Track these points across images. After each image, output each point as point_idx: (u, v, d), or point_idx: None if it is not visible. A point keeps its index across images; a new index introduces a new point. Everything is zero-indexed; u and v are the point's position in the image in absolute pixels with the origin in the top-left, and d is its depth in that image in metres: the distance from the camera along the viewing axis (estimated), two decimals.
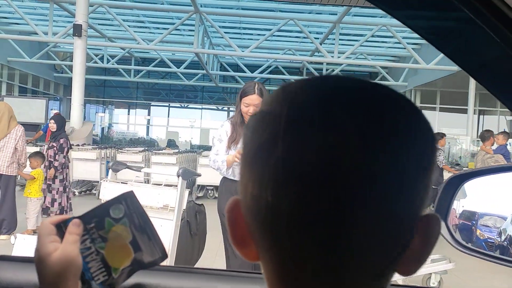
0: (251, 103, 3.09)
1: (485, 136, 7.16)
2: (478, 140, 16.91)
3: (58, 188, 6.69)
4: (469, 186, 0.98)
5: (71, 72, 12.36)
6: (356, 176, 0.36)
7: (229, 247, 3.10)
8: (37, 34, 14.22)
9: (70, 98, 11.52)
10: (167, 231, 2.95)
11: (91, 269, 0.60)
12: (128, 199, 0.62)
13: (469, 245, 0.94)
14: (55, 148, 6.54)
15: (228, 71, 20.83)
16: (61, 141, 6.67)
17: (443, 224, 0.87)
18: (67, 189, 6.82)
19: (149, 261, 0.63)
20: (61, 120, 6.96)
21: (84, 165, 9.58)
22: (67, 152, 6.60)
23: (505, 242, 0.94)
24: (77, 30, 10.72)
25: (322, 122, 0.37)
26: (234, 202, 0.43)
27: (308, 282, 0.38)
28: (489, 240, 0.99)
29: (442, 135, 8.13)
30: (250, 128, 0.41)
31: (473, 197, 0.98)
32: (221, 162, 3.09)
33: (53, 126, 6.84)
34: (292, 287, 0.39)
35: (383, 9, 0.66)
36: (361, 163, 0.36)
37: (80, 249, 0.59)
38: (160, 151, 10.44)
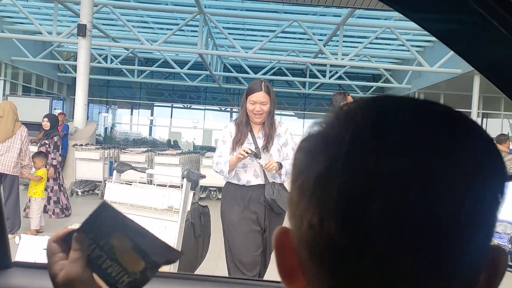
0: (258, 101, 3.05)
1: (502, 139, 7.19)
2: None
3: (53, 187, 6.72)
4: None
5: (75, 72, 12.37)
6: (438, 203, 0.33)
7: (230, 254, 3.08)
8: (42, 33, 14.25)
9: (74, 98, 11.55)
10: (171, 232, 2.95)
11: (112, 274, 0.59)
12: (106, 211, 0.60)
13: None
14: (47, 146, 6.56)
15: (231, 72, 20.83)
16: (55, 138, 6.71)
17: None
18: (62, 187, 6.84)
19: (163, 261, 0.63)
20: (54, 118, 7.03)
21: (87, 165, 9.60)
22: (59, 150, 6.66)
23: None
24: (82, 30, 10.74)
25: (392, 146, 0.34)
26: (283, 231, 0.40)
27: None
28: None
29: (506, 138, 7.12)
30: (306, 152, 0.38)
31: None
32: (224, 163, 3.06)
33: (46, 124, 6.89)
34: None
35: (393, 7, 0.66)
36: (442, 189, 0.33)
37: (92, 257, 0.58)
38: (164, 152, 10.44)
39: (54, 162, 6.34)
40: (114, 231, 0.60)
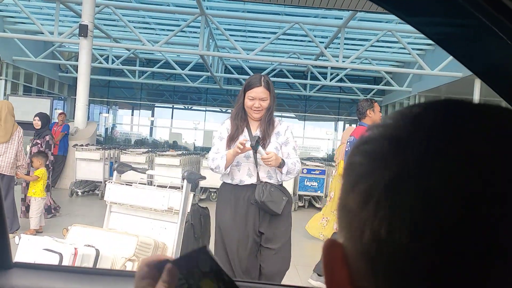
0: (257, 97, 2.89)
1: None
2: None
3: None
4: None
5: (76, 72, 12.38)
6: (502, 221, 0.30)
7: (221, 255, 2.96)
8: (43, 33, 14.27)
9: (75, 98, 11.55)
10: (171, 233, 2.94)
11: None
12: (204, 255, 0.59)
13: None
14: (39, 146, 6.56)
15: (232, 73, 20.85)
16: (47, 138, 6.71)
17: None
18: (49, 188, 6.84)
19: None
20: (45, 117, 7.01)
21: (87, 165, 9.60)
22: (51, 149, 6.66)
23: None
24: (83, 31, 10.76)
25: (471, 158, 0.32)
26: (332, 244, 0.37)
27: None
28: None
29: None
30: (371, 155, 0.35)
31: None
32: (221, 158, 2.87)
33: (37, 123, 6.87)
34: None
35: (395, 14, 0.66)
36: (506, 207, 0.31)
37: None
38: (164, 153, 10.44)
39: (47, 162, 6.34)
40: (206, 276, 0.60)
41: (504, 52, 0.57)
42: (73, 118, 11.39)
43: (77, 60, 12.16)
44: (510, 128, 0.34)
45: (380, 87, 20.41)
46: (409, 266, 0.31)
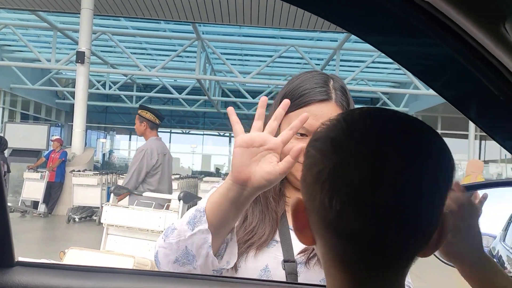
0: (314, 124, 1.07)
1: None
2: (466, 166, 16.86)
3: None
4: None
5: (73, 99, 12.42)
6: (401, 199, 0.48)
7: None
8: (40, 61, 14.37)
9: (72, 124, 11.54)
10: None
11: None
12: None
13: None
14: None
15: (229, 97, 20.95)
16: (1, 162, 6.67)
17: None
18: None
19: None
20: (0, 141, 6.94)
21: (84, 190, 9.53)
22: (4, 175, 6.58)
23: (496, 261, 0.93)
24: (80, 57, 10.82)
25: (376, 155, 0.48)
26: (298, 201, 0.55)
27: (356, 259, 0.50)
28: None
29: None
30: (320, 150, 0.52)
31: None
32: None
33: None
34: (342, 261, 0.51)
35: (353, 33, 0.70)
36: (406, 190, 0.48)
37: None
38: None
39: None
40: None
41: (474, 83, 0.64)
42: (70, 144, 11.36)
43: (74, 87, 12.20)
44: (410, 131, 0.51)
45: (378, 107, 20.50)
46: (340, 223, 0.49)
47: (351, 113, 0.53)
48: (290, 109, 1.04)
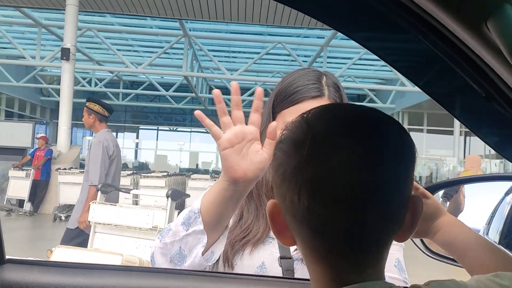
0: None
1: None
2: (465, 161, 17.08)
3: None
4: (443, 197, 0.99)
5: (58, 96, 12.29)
6: (365, 186, 0.50)
7: None
8: (25, 58, 14.18)
9: (57, 122, 11.43)
10: None
11: None
12: None
13: (441, 252, 0.95)
14: None
15: None
16: None
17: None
18: None
19: None
20: None
21: (71, 189, 9.43)
22: None
23: None
24: (65, 54, 10.70)
25: (335, 148, 0.50)
26: (273, 204, 0.56)
27: (334, 255, 0.52)
28: None
29: None
30: (284, 152, 0.54)
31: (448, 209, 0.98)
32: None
33: None
34: (320, 255, 0.53)
35: (339, 30, 0.71)
36: (368, 177, 0.50)
37: None
38: (149, 174, 10.33)
39: None
40: None
41: (456, 80, 0.65)
42: (56, 142, 11.24)
43: (59, 84, 12.06)
44: (368, 122, 0.53)
45: (364, 104, 20.62)
46: (310, 218, 0.51)
47: (312, 112, 0.55)
48: (283, 107, 1.07)
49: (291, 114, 1.00)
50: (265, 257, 1.01)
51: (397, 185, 0.52)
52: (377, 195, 0.50)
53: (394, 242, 0.76)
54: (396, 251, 1.05)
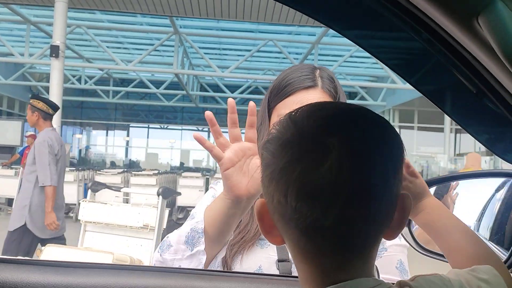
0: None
1: None
2: (456, 158, 17.22)
3: None
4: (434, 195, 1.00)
5: (48, 94, 12.18)
6: (353, 186, 0.49)
7: None
8: (13, 55, 14.02)
9: None
10: (147, 250, 2.87)
11: None
12: None
13: (430, 248, 0.96)
14: None
15: (208, 91, 20.84)
16: None
17: (406, 229, 0.95)
18: None
19: None
20: None
21: None
22: None
23: None
24: (54, 51, 10.60)
25: (323, 148, 0.50)
26: (261, 203, 0.56)
27: (321, 255, 0.52)
28: None
29: None
30: (271, 152, 0.54)
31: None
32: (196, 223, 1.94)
33: None
34: (309, 255, 0.53)
35: (331, 27, 0.71)
36: (356, 177, 0.49)
37: None
38: (140, 172, 10.28)
39: None
40: None
41: (448, 76, 0.65)
42: None
43: (48, 82, 11.94)
44: (354, 120, 0.54)
45: (355, 101, 20.70)
46: (298, 218, 0.50)
47: (299, 112, 0.55)
48: (277, 101, 1.07)
49: (285, 107, 1.02)
50: (262, 261, 1.00)
51: (385, 184, 0.52)
52: (365, 194, 0.50)
53: (397, 243, 0.79)
54: (399, 252, 1.03)
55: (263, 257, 1.00)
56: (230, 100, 0.89)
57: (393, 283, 0.56)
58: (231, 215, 0.89)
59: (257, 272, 0.99)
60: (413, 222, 0.96)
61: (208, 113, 0.89)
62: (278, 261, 0.98)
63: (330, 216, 0.49)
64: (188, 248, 0.92)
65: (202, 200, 1.09)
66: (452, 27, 0.53)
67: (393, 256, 1.00)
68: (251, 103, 0.89)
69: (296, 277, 0.56)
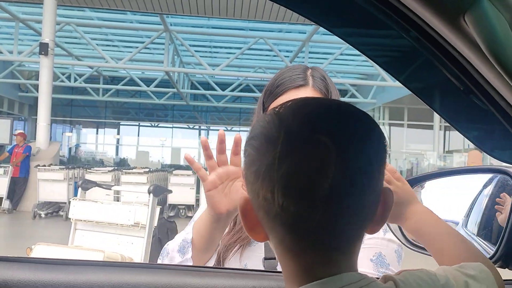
0: None
1: None
2: (445, 155, 17.37)
3: None
4: (423, 191, 1.00)
5: (37, 92, 12.07)
6: (339, 182, 0.49)
7: None
8: (2, 53, 13.88)
9: (36, 118, 11.24)
10: (138, 248, 2.86)
11: None
12: None
13: (420, 244, 0.97)
14: None
15: (199, 89, 20.77)
16: None
17: (396, 225, 0.94)
18: None
19: None
20: None
21: (51, 186, 9.31)
22: None
23: None
24: (44, 49, 10.52)
25: (310, 144, 0.50)
26: (245, 200, 0.56)
27: (305, 253, 0.53)
28: None
29: None
30: (256, 148, 0.53)
31: (426, 202, 0.99)
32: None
33: None
34: (293, 251, 0.53)
35: (321, 25, 0.72)
36: (342, 173, 0.49)
37: None
38: (131, 170, 10.24)
39: None
40: None
41: (437, 74, 0.65)
42: (35, 139, 11.06)
43: (37, 79, 11.84)
44: (338, 115, 0.54)
45: (346, 99, 20.73)
46: (284, 215, 0.50)
47: (284, 107, 0.55)
48: (270, 100, 1.09)
49: None
50: (248, 259, 1.06)
51: (370, 179, 0.52)
52: (351, 191, 0.50)
53: (380, 236, 0.76)
54: (379, 245, 1.02)
55: (254, 255, 1.05)
56: (220, 131, 0.97)
57: (377, 278, 0.56)
58: (214, 228, 0.99)
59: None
60: None
61: (203, 139, 0.98)
62: (265, 259, 1.03)
63: (316, 213, 0.49)
64: (180, 256, 1.03)
65: (197, 213, 1.18)
66: (439, 25, 0.54)
67: (370, 249, 1.00)
68: (237, 135, 0.94)
69: (281, 272, 0.57)
